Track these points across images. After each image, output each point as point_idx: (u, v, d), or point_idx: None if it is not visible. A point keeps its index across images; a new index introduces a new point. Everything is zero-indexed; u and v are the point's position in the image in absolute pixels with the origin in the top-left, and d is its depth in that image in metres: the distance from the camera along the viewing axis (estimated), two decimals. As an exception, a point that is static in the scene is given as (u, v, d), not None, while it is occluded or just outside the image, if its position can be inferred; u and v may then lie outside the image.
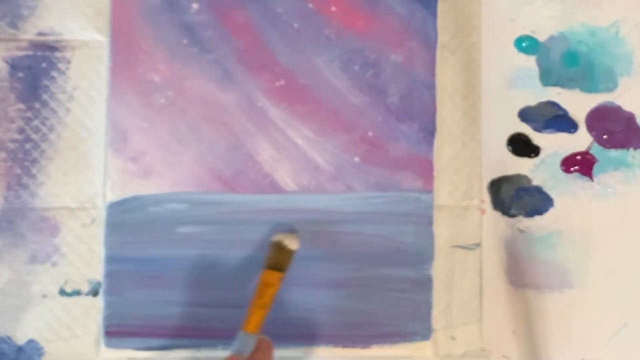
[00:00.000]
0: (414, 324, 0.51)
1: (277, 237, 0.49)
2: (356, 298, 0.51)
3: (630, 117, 0.53)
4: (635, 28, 0.53)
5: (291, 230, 0.50)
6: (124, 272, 0.50)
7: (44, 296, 0.50)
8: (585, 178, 0.52)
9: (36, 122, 0.51)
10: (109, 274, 0.50)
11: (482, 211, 0.52)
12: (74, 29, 0.52)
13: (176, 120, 0.51)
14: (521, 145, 0.52)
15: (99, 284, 0.51)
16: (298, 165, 0.52)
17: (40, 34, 0.51)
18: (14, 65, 0.51)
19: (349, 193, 0.51)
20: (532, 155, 0.52)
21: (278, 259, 0.49)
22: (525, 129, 0.52)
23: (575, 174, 0.52)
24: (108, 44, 0.52)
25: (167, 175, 0.51)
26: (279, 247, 0.49)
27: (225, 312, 0.51)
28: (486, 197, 0.52)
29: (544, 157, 0.52)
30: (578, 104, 0.53)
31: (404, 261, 0.51)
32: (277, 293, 0.48)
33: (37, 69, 0.51)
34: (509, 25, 0.53)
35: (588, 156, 0.52)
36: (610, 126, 0.53)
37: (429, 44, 0.52)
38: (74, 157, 0.51)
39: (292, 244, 0.49)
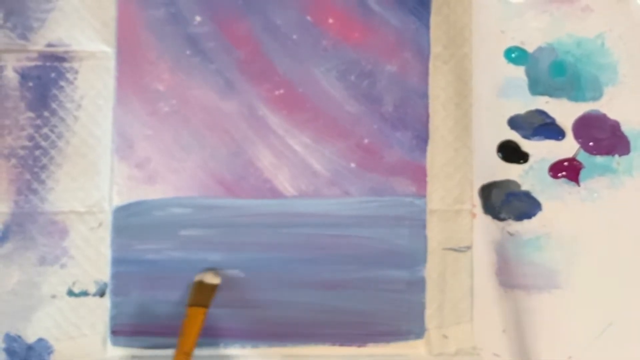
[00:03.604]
0: (408, 324, 0.52)
1: (198, 276, 0.50)
2: (352, 298, 0.52)
3: (615, 125, 0.53)
4: (619, 39, 0.54)
5: (211, 268, 0.51)
6: (129, 274, 0.51)
7: (53, 297, 0.51)
8: (572, 183, 0.53)
9: (45, 130, 0.52)
10: (115, 275, 0.51)
11: (473, 215, 0.53)
12: (82, 41, 0.52)
13: (180, 127, 0.52)
14: (511, 152, 0.53)
15: (105, 284, 0.51)
16: (297, 171, 0.52)
17: (49, 45, 0.52)
18: (24, 75, 0.52)
19: (346, 198, 0.52)
20: (521, 161, 0.53)
21: (201, 296, 0.50)
22: (515, 137, 0.53)
23: (563, 179, 0.53)
24: (114, 54, 0.52)
25: (171, 181, 0.52)
26: (201, 285, 0.50)
27: (225, 312, 0.51)
28: (477, 201, 0.53)
29: (532, 163, 0.53)
30: (565, 112, 0.53)
31: (398, 263, 0.52)
32: (201, 328, 0.49)
33: (47, 79, 0.52)
34: (499, 36, 0.54)
35: (575, 162, 0.53)
36: (596, 134, 0.53)
37: (422, 54, 0.53)
38: (82, 163, 0.52)
39: (213, 279, 0.50)
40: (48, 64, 0.52)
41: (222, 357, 0.52)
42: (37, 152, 0.52)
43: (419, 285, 0.52)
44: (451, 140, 0.53)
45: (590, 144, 0.53)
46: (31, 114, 0.52)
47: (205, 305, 0.50)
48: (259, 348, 0.52)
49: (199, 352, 0.51)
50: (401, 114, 0.53)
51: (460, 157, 0.53)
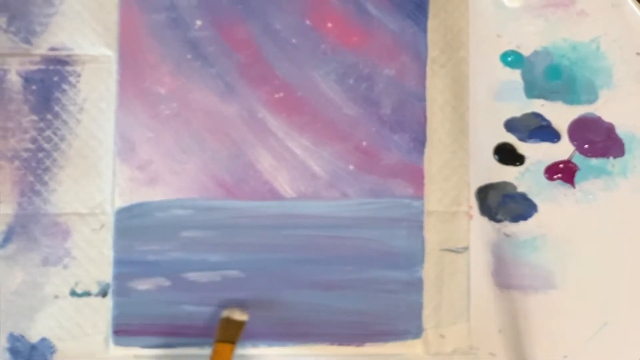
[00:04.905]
0: (406, 323, 0.52)
1: (226, 312, 0.51)
2: (351, 299, 0.52)
3: (610, 128, 0.54)
4: (614, 43, 0.54)
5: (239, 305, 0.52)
6: (131, 274, 0.52)
7: (56, 297, 0.52)
8: (568, 185, 0.54)
9: (48, 132, 0.52)
10: (117, 276, 0.52)
11: (470, 216, 0.53)
12: (84, 44, 0.53)
13: (181, 130, 0.53)
14: (507, 154, 0.53)
15: (107, 285, 0.52)
16: (296, 173, 0.53)
17: (52, 49, 0.53)
18: (27, 79, 0.52)
19: (344, 199, 0.53)
20: (517, 163, 0.53)
21: (229, 332, 0.50)
22: (511, 139, 0.54)
23: (558, 181, 0.53)
24: (116, 58, 0.53)
25: (172, 183, 0.52)
26: (229, 321, 0.50)
27: (227, 312, 0.52)
28: (474, 203, 0.53)
29: (528, 165, 0.53)
30: (561, 115, 0.54)
31: (396, 264, 0.52)
32: None
33: (49, 82, 0.52)
34: (495, 40, 0.54)
35: (570, 165, 0.54)
36: (591, 136, 0.54)
37: (420, 58, 0.53)
38: (84, 165, 0.52)
39: (241, 316, 0.50)
40: (51, 67, 0.53)
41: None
42: (40, 155, 0.52)
43: (417, 285, 0.52)
44: (448, 142, 0.53)
45: (586, 146, 0.54)
46: (34, 117, 0.52)
47: (232, 341, 0.50)
48: (258, 348, 0.52)
49: (199, 351, 0.52)
50: (399, 116, 0.53)
51: (457, 159, 0.53)
